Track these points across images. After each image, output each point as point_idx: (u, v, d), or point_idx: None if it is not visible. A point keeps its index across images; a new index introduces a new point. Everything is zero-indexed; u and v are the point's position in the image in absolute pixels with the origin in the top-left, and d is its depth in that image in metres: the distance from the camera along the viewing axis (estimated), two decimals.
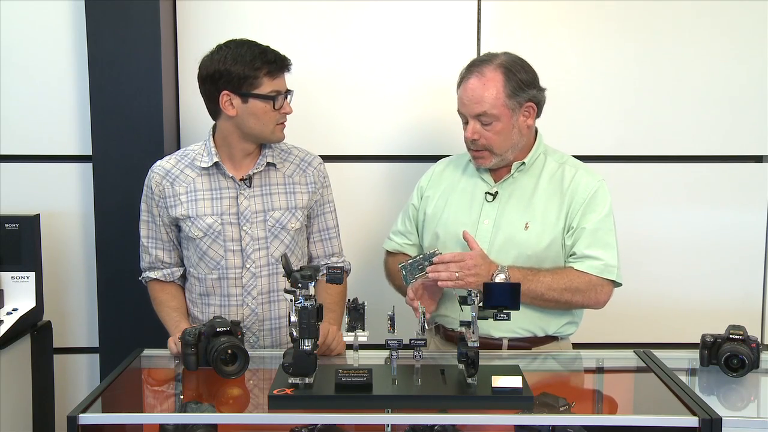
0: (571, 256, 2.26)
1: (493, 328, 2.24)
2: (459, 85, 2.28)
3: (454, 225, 2.30)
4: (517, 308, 1.85)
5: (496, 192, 2.31)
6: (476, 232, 2.26)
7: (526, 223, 2.26)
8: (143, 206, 2.35)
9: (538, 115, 2.30)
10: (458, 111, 2.29)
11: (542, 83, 2.28)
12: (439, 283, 2.14)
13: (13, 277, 2.62)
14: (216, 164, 2.28)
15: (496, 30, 2.91)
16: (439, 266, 2.14)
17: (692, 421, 1.74)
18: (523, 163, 2.31)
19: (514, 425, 1.91)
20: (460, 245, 2.24)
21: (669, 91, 2.95)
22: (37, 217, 2.69)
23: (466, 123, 2.28)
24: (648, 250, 3.00)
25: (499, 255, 2.24)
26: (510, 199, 2.30)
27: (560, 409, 1.83)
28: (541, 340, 2.30)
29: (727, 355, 2.10)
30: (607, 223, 2.26)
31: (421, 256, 2.21)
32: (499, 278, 2.14)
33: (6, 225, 2.61)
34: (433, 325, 2.40)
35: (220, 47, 2.22)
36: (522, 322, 2.24)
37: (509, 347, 2.28)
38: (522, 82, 2.22)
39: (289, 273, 1.86)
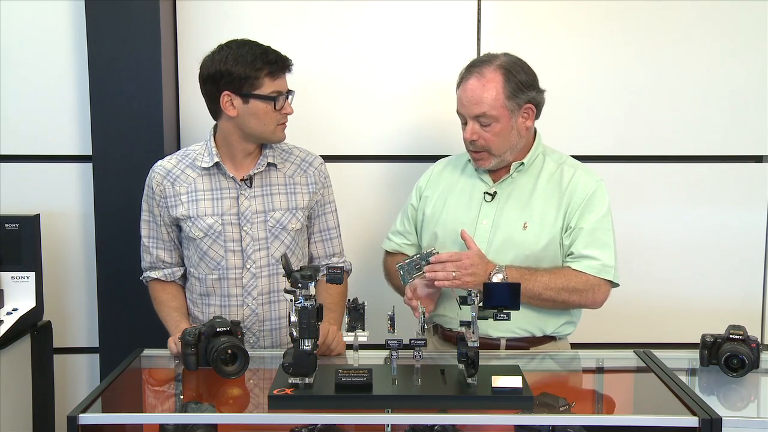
0: (568, 255, 2.26)
1: (491, 327, 2.24)
2: (458, 85, 2.28)
3: (453, 225, 2.30)
4: (517, 308, 1.85)
5: (495, 192, 2.31)
6: (475, 232, 2.26)
7: (525, 223, 2.26)
8: (144, 206, 2.35)
9: (537, 117, 2.30)
10: (457, 111, 2.29)
11: (542, 83, 2.28)
12: (436, 282, 2.14)
13: (13, 277, 2.62)
14: (217, 164, 2.28)
15: (496, 30, 2.92)
16: (436, 266, 2.14)
17: (692, 421, 1.74)
18: (522, 163, 2.31)
19: (514, 425, 1.91)
20: (459, 245, 2.24)
21: (669, 91, 2.95)
22: (37, 217, 2.69)
23: (465, 124, 2.28)
24: (648, 250, 3.00)
25: (498, 255, 2.24)
26: (509, 199, 2.30)
27: (560, 409, 1.83)
28: (539, 340, 2.30)
29: (727, 355, 2.10)
30: (605, 223, 2.26)
31: (418, 255, 2.21)
32: (497, 278, 2.14)
33: (6, 225, 2.61)
34: (431, 324, 2.40)
35: (221, 47, 2.22)
36: (520, 322, 2.24)
37: (507, 347, 2.28)
38: (521, 84, 2.21)
39: (289, 273, 1.86)
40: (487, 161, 2.28)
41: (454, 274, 2.12)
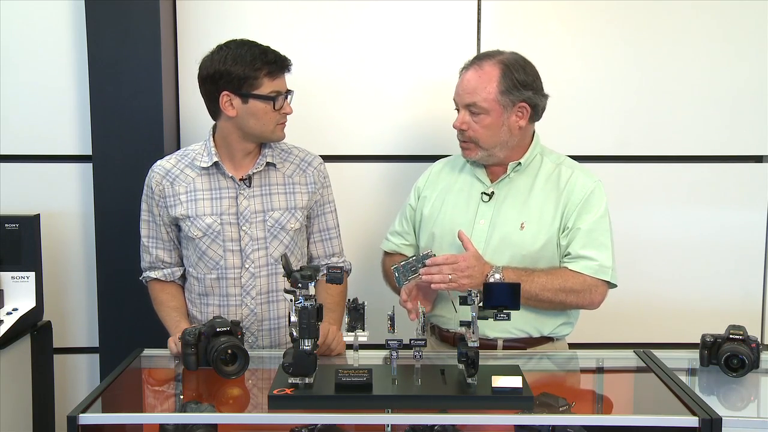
0: (566, 256, 2.26)
1: (487, 328, 2.23)
2: (459, 75, 2.29)
3: (451, 225, 2.30)
4: (518, 308, 1.85)
5: (492, 192, 2.31)
6: (472, 232, 2.26)
7: (522, 223, 2.26)
8: (143, 206, 2.35)
9: (535, 119, 2.29)
10: (453, 100, 2.30)
11: (542, 83, 2.28)
12: (432, 285, 2.13)
13: (13, 277, 2.63)
14: (216, 164, 2.28)
15: (496, 30, 2.91)
16: (432, 268, 2.13)
17: (692, 421, 1.74)
18: (519, 163, 2.31)
19: (514, 425, 1.91)
20: (456, 245, 2.23)
21: (669, 91, 2.95)
22: (37, 217, 2.69)
23: (458, 112, 2.29)
24: (648, 250, 3.00)
25: (495, 255, 2.23)
26: (506, 200, 2.30)
27: (560, 409, 1.83)
28: (537, 340, 2.30)
29: (727, 355, 2.10)
30: (602, 223, 2.26)
31: (414, 257, 2.20)
32: (494, 279, 2.13)
33: (6, 225, 2.61)
34: (428, 325, 2.39)
35: (220, 47, 2.22)
36: (517, 322, 2.23)
37: (504, 347, 2.28)
38: (518, 82, 2.21)
39: (289, 273, 1.86)
40: (474, 152, 2.27)
41: (450, 276, 2.11)
